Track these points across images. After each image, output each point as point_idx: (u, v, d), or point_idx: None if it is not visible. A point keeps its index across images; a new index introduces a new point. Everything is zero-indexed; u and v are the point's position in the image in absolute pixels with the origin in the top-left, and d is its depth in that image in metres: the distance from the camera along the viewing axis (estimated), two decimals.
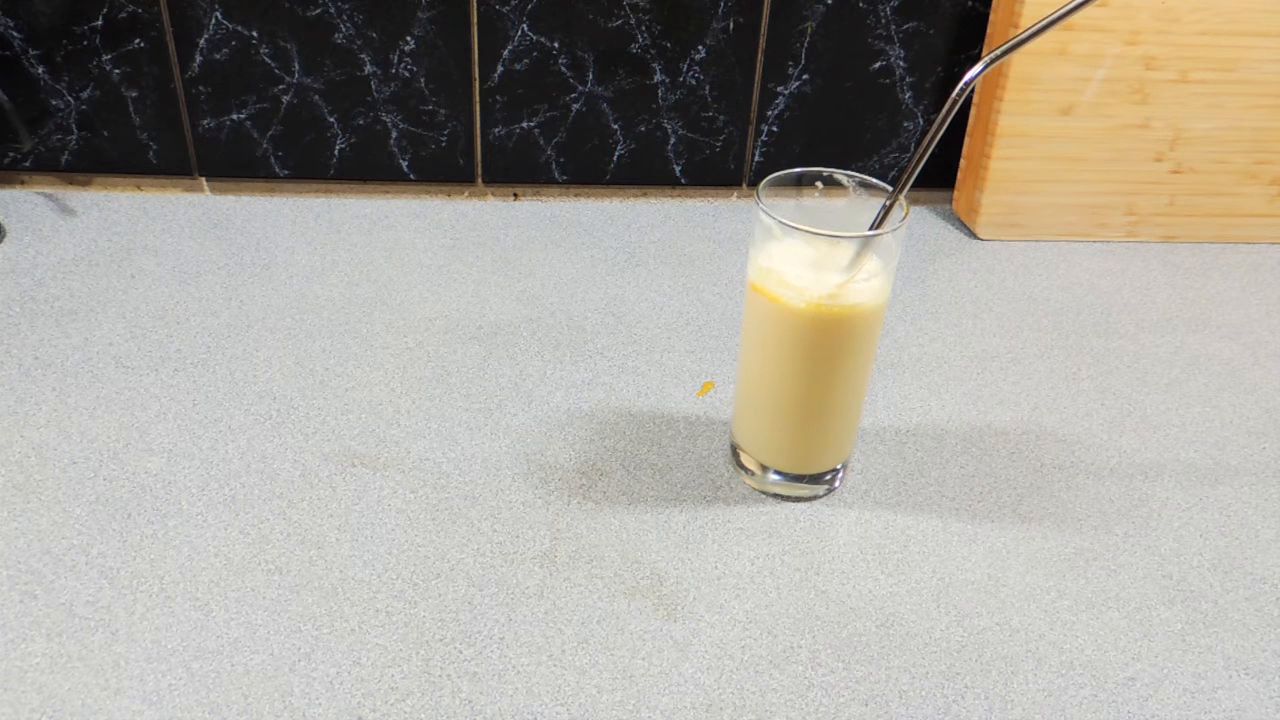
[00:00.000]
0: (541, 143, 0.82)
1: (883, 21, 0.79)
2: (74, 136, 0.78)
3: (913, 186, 0.48)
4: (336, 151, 0.80)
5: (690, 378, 0.64)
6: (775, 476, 0.54)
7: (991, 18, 0.78)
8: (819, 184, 0.52)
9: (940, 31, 0.80)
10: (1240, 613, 0.49)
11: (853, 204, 0.52)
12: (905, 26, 0.79)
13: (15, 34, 0.74)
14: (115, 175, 0.81)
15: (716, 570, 0.50)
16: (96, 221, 0.77)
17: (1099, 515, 0.55)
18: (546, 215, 0.82)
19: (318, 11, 0.75)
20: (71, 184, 0.81)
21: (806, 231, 0.47)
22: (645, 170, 0.84)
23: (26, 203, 0.78)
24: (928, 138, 0.46)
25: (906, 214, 0.49)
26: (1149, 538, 0.54)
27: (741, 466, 0.56)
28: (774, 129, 0.83)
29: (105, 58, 0.76)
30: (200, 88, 0.77)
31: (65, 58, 0.75)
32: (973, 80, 0.45)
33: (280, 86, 0.77)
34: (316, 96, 0.78)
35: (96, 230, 0.75)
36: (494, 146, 0.81)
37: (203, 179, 0.81)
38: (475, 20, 0.76)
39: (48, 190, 0.80)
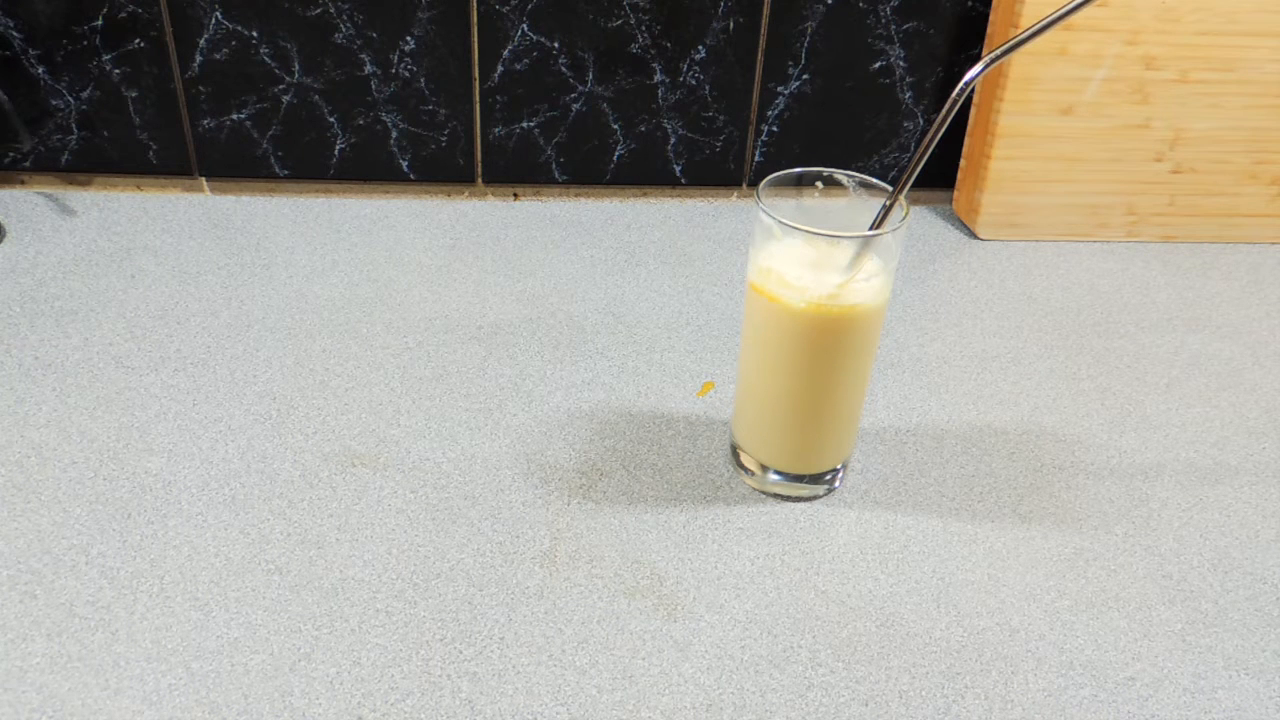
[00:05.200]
0: (541, 143, 0.82)
1: (883, 21, 0.79)
2: (74, 136, 0.78)
3: (913, 186, 0.48)
4: (336, 151, 0.80)
5: (690, 378, 0.64)
6: (775, 476, 0.54)
7: (991, 18, 0.78)
8: (819, 184, 0.52)
9: (940, 31, 0.80)
10: (1240, 613, 0.49)
11: (853, 204, 0.52)
12: (905, 26, 0.79)
13: (15, 34, 0.74)
14: (115, 175, 0.81)
15: (716, 570, 0.50)
16: (96, 221, 0.77)
17: (1099, 515, 0.55)
18: (546, 215, 0.82)
19: (318, 11, 0.75)
20: (71, 184, 0.81)
21: (806, 231, 0.47)
22: (645, 170, 0.84)
23: (26, 203, 0.78)
24: (928, 138, 0.46)
25: (906, 214, 0.49)
26: (1149, 538, 0.54)
27: (741, 466, 0.56)
28: (774, 129, 0.83)
29: (105, 58, 0.76)
30: (200, 88, 0.77)
31: (65, 58, 0.75)
32: (973, 80, 0.45)
33: (280, 86, 0.78)
34: (316, 96, 0.78)
35: (96, 230, 0.75)
36: (494, 146, 0.81)
37: (203, 179, 0.81)
38: (475, 20, 0.76)
39: (48, 190, 0.80)
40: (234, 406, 0.59)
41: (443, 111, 0.80)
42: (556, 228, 0.80)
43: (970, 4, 0.79)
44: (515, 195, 0.84)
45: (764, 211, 0.49)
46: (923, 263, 0.78)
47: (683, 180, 0.85)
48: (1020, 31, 0.46)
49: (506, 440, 0.57)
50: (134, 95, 0.77)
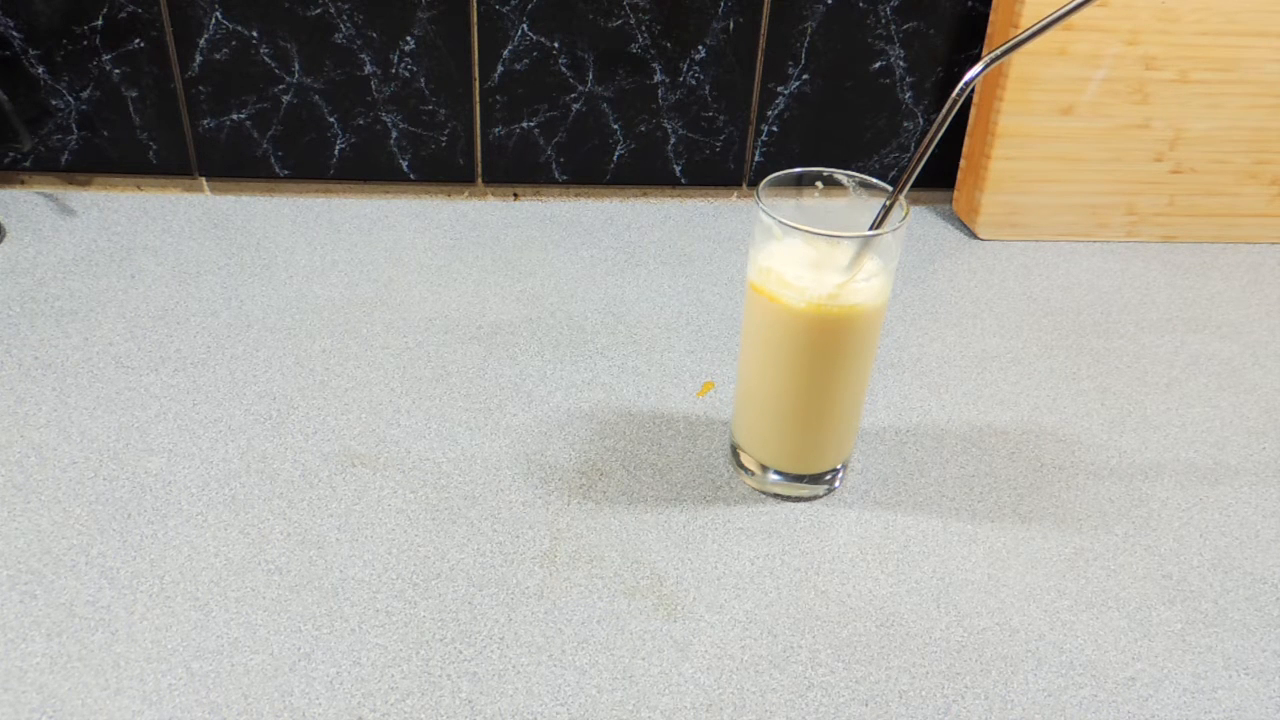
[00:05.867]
0: (541, 143, 0.82)
1: (883, 21, 0.79)
2: (74, 136, 0.78)
3: (913, 186, 0.48)
4: (336, 151, 0.80)
5: (690, 378, 0.64)
6: (775, 476, 0.54)
7: (991, 18, 0.78)
8: (819, 184, 0.52)
9: (940, 31, 0.80)
10: (1240, 613, 0.49)
11: (853, 204, 0.52)
12: (905, 26, 0.79)
13: (15, 34, 0.74)
14: (115, 175, 0.81)
15: (716, 570, 0.50)
16: (96, 221, 0.77)
17: (1099, 515, 0.55)
18: (546, 215, 0.82)
19: (318, 11, 0.75)
20: (71, 184, 0.81)
21: (806, 231, 0.47)
22: (645, 170, 0.84)
23: (26, 203, 0.78)
24: (928, 138, 0.46)
25: (906, 214, 0.49)
26: (1149, 538, 0.54)
27: (741, 466, 0.56)
28: (774, 129, 0.83)
29: (105, 58, 0.76)
30: (200, 88, 0.77)
31: (65, 58, 0.75)
32: (973, 80, 0.45)
33: (280, 86, 0.78)
34: (316, 96, 0.78)
35: (96, 230, 0.75)
36: (494, 146, 0.81)
37: (203, 179, 0.81)
38: (475, 20, 0.76)
39: (48, 190, 0.80)
40: (234, 406, 0.59)
41: (443, 111, 0.80)
42: (556, 228, 0.80)
43: (970, 4, 0.79)
44: (515, 195, 0.84)
45: (764, 211, 0.49)
46: (923, 263, 0.78)
47: (683, 180, 0.85)
48: (1020, 31, 0.46)
49: (506, 440, 0.57)
50: (134, 95, 0.77)
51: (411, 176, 0.82)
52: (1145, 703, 0.45)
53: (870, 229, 0.49)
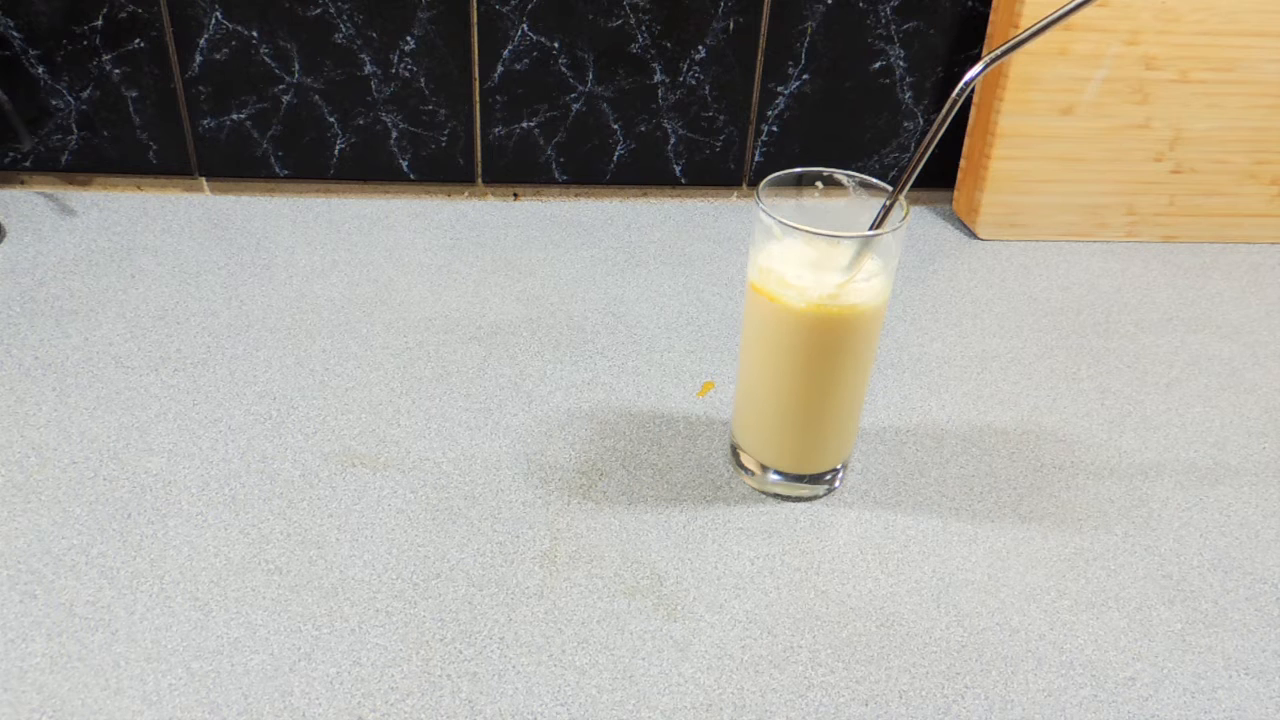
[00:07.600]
0: (541, 143, 0.82)
1: (883, 21, 0.79)
2: (74, 136, 0.78)
3: (913, 186, 0.48)
4: (336, 151, 0.80)
5: (690, 378, 0.64)
6: (775, 476, 0.54)
7: (991, 18, 0.78)
8: (819, 184, 0.52)
9: (940, 31, 0.80)
10: (1240, 613, 0.49)
11: (853, 204, 0.52)
12: (905, 26, 0.79)
13: (15, 34, 0.74)
14: (115, 175, 0.81)
15: (716, 570, 0.50)
16: (96, 221, 0.77)
17: (1099, 515, 0.55)
18: (546, 215, 0.82)
19: (318, 11, 0.75)
20: (71, 184, 0.81)
21: (806, 231, 0.47)
22: (645, 170, 0.84)
23: (26, 203, 0.78)
24: (928, 138, 0.46)
25: (906, 214, 0.49)
26: (1149, 538, 0.54)
27: (741, 466, 0.56)
28: (774, 129, 0.83)
29: (105, 58, 0.76)
30: (200, 88, 0.77)
31: (65, 58, 0.75)
32: (973, 80, 0.45)
33: (280, 86, 0.78)
34: (316, 96, 0.78)
35: (96, 230, 0.75)
36: (494, 146, 0.81)
37: (203, 179, 0.81)
38: (475, 20, 0.76)
39: (48, 190, 0.80)
40: (234, 406, 0.59)
41: (443, 111, 0.80)
42: (556, 228, 0.80)
43: (970, 4, 0.79)
44: (515, 195, 0.84)
45: (764, 211, 0.49)
46: (923, 263, 0.78)
47: (683, 180, 0.85)
48: (1020, 31, 0.46)
49: (506, 440, 0.57)
50: (134, 95, 0.77)
51: (411, 176, 0.82)
52: (1145, 703, 0.45)
53: (870, 229, 0.49)
